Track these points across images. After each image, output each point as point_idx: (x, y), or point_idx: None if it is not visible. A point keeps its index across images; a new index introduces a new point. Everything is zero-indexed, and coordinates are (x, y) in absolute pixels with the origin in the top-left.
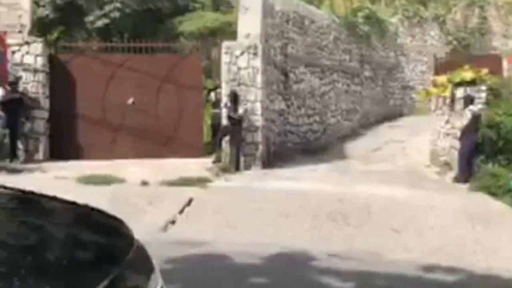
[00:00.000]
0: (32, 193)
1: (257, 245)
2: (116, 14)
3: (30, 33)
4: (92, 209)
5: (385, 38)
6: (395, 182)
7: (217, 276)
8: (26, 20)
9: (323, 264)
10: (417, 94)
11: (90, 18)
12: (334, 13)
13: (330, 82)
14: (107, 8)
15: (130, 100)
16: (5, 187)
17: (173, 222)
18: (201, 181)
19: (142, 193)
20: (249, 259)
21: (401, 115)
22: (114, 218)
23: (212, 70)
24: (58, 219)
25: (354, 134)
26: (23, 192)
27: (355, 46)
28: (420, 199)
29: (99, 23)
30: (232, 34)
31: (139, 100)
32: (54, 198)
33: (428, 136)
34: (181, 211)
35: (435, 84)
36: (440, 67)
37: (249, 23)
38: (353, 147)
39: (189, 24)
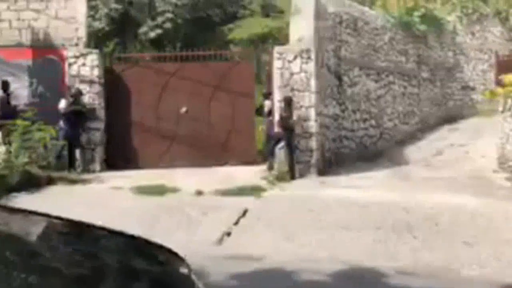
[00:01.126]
0: (87, 225)
1: (319, 260)
2: (168, 25)
3: (86, 45)
4: (146, 241)
5: (442, 37)
6: (462, 190)
7: None
8: (82, 33)
9: (393, 283)
10: (482, 95)
11: (143, 29)
12: (388, 13)
13: (386, 84)
14: (159, 19)
15: (183, 109)
16: (56, 217)
17: (228, 234)
18: (255, 190)
19: (196, 203)
20: (314, 276)
21: (461, 117)
22: (172, 252)
23: (262, 77)
24: (112, 249)
25: (412, 138)
26: (76, 222)
27: (412, 47)
28: (492, 209)
29: (152, 34)
30: (282, 40)
31: (192, 109)
32: (105, 229)
33: (494, 139)
34: (236, 223)
35: (502, 84)
36: (503, 65)
37: (301, 27)
38: (412, 151)
39: (239, 31)
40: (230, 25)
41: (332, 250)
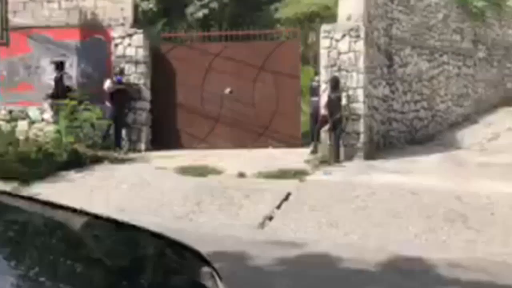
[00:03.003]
0: (128, 225)
1: (364, 249)
2: (215, 4)
3: (132, 25)
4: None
5: (502, 14)
6: None
7: (331, 283)
8: (128, 13)
9: (443, 275)
10: None
11: (190, 9)
12: None
13: (439, 64)
14: None
15: (228, 90)
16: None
17: (270, 218)
18: (299, 174)
19: (239, 186)
20: (359, 265)
21: None
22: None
23: (309, 56)
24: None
25: (466, 121)
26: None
27: (468, 25)
28: None
29: (199, 14)
30: (330, 18)
31: (236, 89)
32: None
33: None
34: (278, 206)
35: None
36: None
37: (350, 4)
38: (466, 135)
39: (285, 10)
40: (277, 4)
41: (378, 239)
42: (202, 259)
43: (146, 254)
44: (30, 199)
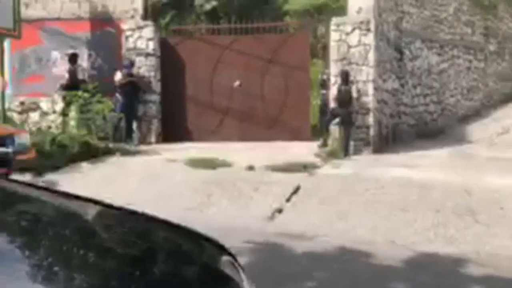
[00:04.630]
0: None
1: (374, 243)
2: None
3: (143, 17)
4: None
5: None
6: None
7: (342, 276)
8: (138, 5)
9: (453, 269)
10: None
11: (199, 1)
12: None
13: (450, 58)
14: None
15: (237, 83)
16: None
17: (280, 211)
18: (308, 167)
19: (248, 178)
20: (370, 259)
21: None
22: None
23: (318, 49)
24: (161, 235)
25: (476, 115)
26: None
27: (479, 18)
28: None
29: (208, 6)
30: (339, 10)
31: (245, 82)
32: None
33: None
34: (288, 199)
35: None
36: None
37: None
38: (476, 129)
39: (294, 2)
40: None
41: (389, 233)
42: (221, 249)
43: (164, 244)
44: (44, 189)
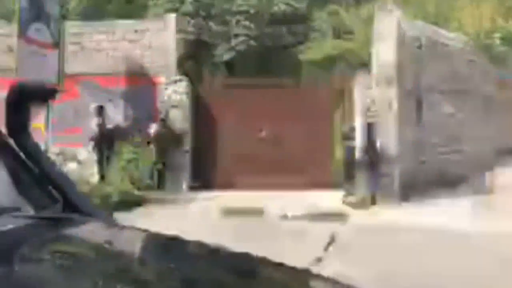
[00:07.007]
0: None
1: None
2: (242, 47)
3: (176, 72)
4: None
5: None
6: None
7: None
8: (172, 61)
9: None
10: None
11: (219, 51)
12: (465, 35)
13: (466, 108)
14: (233, 41)
15: (263, 133)
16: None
17: (319, 259)
18: (340, 216)
19: (283, 227)
20: None
21: None
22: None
23: (339, 101)
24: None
25: (496, 163)
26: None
27: (491, 69)
28: None
29: (227, 56)
30: (354, 61)
31: (270, 133)
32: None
33: None
34: (325, 249)
35: None
36: None
37: (383, 52)
38: (496, 178)
39: (310, 52)
40: (301, 47)
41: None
42: None
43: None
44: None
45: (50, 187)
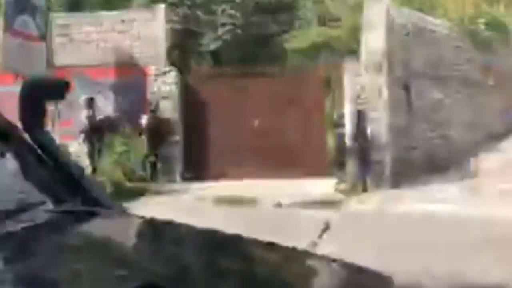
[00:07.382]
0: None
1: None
2: (228, 36)
3: (166, 62)
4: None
5: (509, 43)
6: None
7: None
8: (162, 51)
9: None
10: None
11: (205, 41)
12: (449, 21)
13: (453, 94)
14: (220, 31)
15: (255, 122)
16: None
17: (314, 245)
18: (333, 203)
19: (277, 215)
20: None
21: None
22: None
23: (328, 88)
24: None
25: (481, 148)
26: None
27: (477, 54)
28: None
29: (213, 46)
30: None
31: (263, 122)
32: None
33: None
34: (320, 236)
35: None
36: None
37: (372, 40)
38: (482, 162)
39: (295, 41)
40: (286, 35)
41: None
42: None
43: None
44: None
45: (67, 181)
